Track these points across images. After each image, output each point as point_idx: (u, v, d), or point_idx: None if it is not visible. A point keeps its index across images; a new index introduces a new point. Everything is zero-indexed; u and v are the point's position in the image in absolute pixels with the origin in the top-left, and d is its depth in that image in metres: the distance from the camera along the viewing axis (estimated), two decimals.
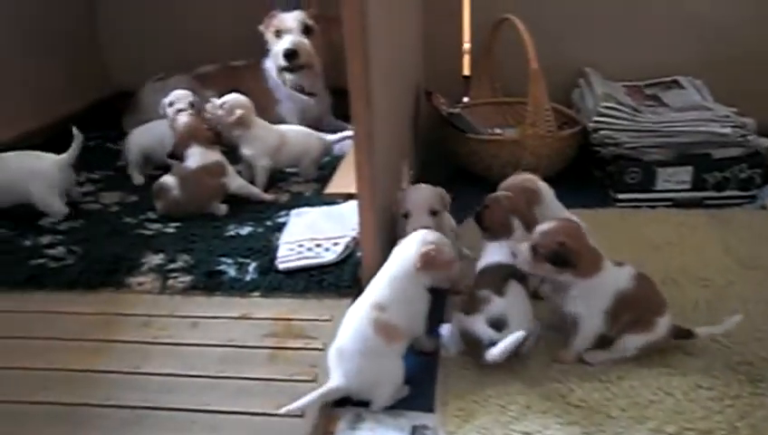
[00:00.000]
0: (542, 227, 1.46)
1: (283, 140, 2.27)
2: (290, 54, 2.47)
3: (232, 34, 2.82)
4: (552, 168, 2.27)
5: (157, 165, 2.37)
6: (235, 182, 2.14)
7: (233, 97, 2.27)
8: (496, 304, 1.45)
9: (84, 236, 1.98)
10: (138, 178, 2.35)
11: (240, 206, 2.12)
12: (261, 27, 2.57)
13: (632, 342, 1.46)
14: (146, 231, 2.02)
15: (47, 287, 1.76)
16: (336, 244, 1.78)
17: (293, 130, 2.34)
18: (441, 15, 2.64)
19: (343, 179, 1.77)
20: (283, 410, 1.33)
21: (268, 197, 2.15)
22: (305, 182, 2.31)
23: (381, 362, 1.39)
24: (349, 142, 2.47)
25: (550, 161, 2.29)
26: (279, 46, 2.50)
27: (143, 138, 2.39)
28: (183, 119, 2.21)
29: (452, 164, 2.48)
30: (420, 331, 1.48)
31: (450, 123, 2.40)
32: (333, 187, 1.76)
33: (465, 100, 2.71)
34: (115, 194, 2.30)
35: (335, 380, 1.38)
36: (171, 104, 2.30)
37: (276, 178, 2.32)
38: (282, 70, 2.54)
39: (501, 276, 1.49)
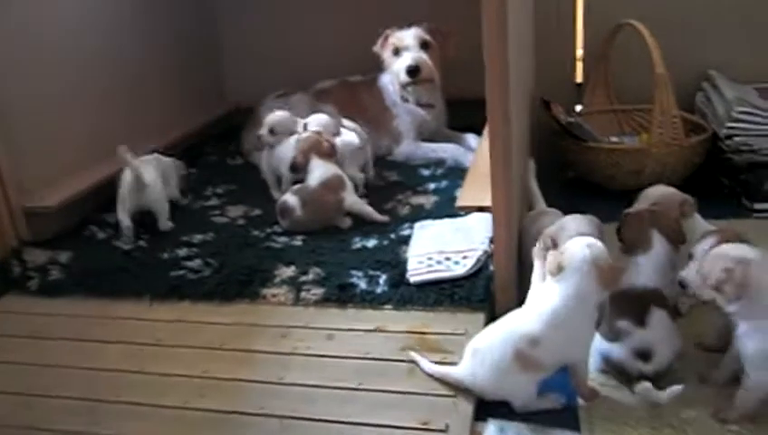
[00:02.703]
0: (714, 250, 1.31)
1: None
2: (412, 71, 2.48)
3: (347, 51, 2.87)
4: (675, 176, 2.18)
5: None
6: (351, 198, 2.16)
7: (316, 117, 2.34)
8: (639, 336, 1.38)
9: (217, 248, 2.04)
10: (276, 195, 2.38)
11: (361, 218, 2.15)
12: (375, 48, 2.59)
13: None
14: (274, 244, 2.06)
15: (188, 298, 1.83)
16: (465, 257, 1.76)
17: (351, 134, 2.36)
18: (553, 21, 2.59)
19: (473, 192, 1.74)
20: (416, 357, 1.40)
21: (381, 217, 2.14)
22: (424, 193, 2.31)
23: (511, 380, 1.37)
24: (463, 153, 2.50)
25: (674, 170, 2.21)
26: (400, 63, 2.52)
27: (269, 159, 2.44)
28: (303, 133, 2.27)
29: (566, 173, 2.43)
30: (581, 357, 1.38)
31: (568, 132, 2.35)
32: (465, 199, 1.74)
33: (578, 108, 2.65)
34: (239, 208, 2.37)
35: (462, 371, 1.40)
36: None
37: (394, 190, 2.34)
38: (404, 86, 2.55)
39: (642, 304, 1.41)
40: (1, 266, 2.01)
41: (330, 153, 2.20)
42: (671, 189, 1.63)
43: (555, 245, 1.47)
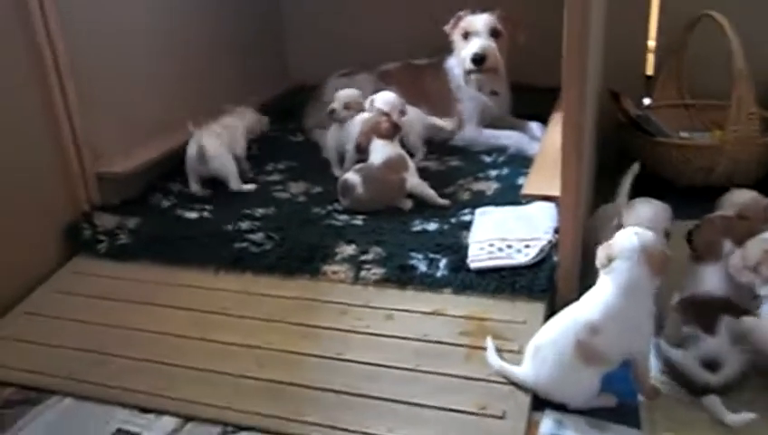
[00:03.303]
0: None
1: None
2: (478, 59, 2.45)
3: (415, 32, 2.85)
4: (748, 175, 2.12)
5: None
6: (413, 179, 2.15)
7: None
8: (708, 344, 1.36)
9: (279, 223, 2.07)
10: (338, 172, 2.39)
11: (422, 201, 2.14)
12: (447, 28, 2.56)
13: None
14: (335, 222, 2.07)
15: (250, 270, 1.87)
16: (528, 246, 1.75)
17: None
18: (626, 9, 2.51)
19: (540, 181, 1.73)
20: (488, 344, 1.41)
21: (443, 201, 2.13)
22: (485, 180, 2.29)
23: (574, 377, 1.35)
24: (526, 141, 2.48)
25: (747, 169, 2.14)
26: (467, 50, 2.48)
27: (337, 135, 2.46)
28: (365, 114, 2.28)
29: (629, 167, 2.38)
30: (641, 349, 1.37)
31: (636, 126, 2.30)
32: (531, 188, 1.72)
33: (647, 101, 2.59)
34: (300, 184, 2.38)
35: (524, 371, 1.39)
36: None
37: (455, 176, 2.34)
38: (468, 73, 2.53)
39: (711, 311, 1.38)
40: (73, 228, 2.08)
41: (389, 134, 2.20)
42: (755, 194, 1.57)
43: (621, 225, 1.47)
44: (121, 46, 2.30)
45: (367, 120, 2.25)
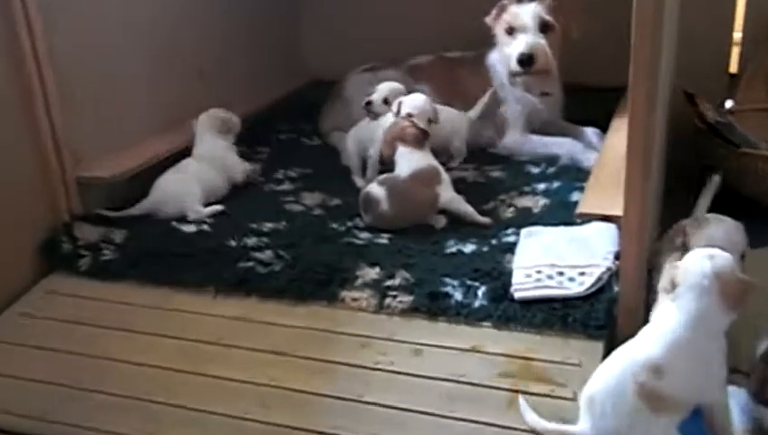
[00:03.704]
0: None
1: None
2: (525, 60, 2.43)
3: (449, 21, 2.85)
4: None
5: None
6: (448, 193, 2.15)
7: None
8: None
9: (290, 240, 2.07)
10: (360, 182, 2.41)
11: (458, 218, 2.13)
12: (488, 20, 2.56)
13: None
14: (355, 240, 2.07)
15: (256, 293, 1.87)
16: (583, 273, 1.73)
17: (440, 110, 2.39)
18: None
19: (598, 197, 1.71)
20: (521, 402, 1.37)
21: (482, 219, 2.12)
22: (531, 195, 2.28)
23: (643, 431, 1.32)
24: (581, 150, 2.47)
25: None
26: (512, 49, 2.47)
27: (360, 137, 2.47)
28: (389, 118, 2.29)
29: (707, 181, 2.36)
30: (714, 395, 1.34)
31: (716, 133, 2.28)
32: (587, 205, 1.70)
33: (729, 104, 2.56)
34: (316, 195, 2.39)
35: (581, 427, 1.36)
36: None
37: (496, 189, 2.33)
38: (514, 75, 2.52)
39: None
40: (50, 241, 2.09)
41: (417, 141, 2.20)
42: None
43: (686, 246, 1.44)
44: (111, 35, 2.32)
45: (391, 127, 2.26)
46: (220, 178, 2.35)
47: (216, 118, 2.45)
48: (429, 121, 2.29)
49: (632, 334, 1.47)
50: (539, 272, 1.77)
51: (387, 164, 2.24)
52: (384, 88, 2.43)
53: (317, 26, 3.31)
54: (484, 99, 2.55)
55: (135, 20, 2.43)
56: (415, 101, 2.32)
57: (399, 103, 2.32)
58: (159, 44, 2.54)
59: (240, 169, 2.43)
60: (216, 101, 2.54)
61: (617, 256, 1.68)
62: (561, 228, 1.98)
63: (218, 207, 2.25)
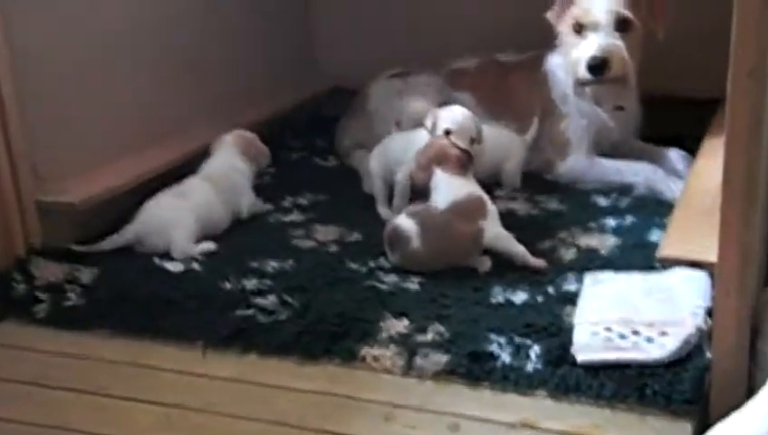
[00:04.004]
0: None
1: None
2: (597, 66, 2.41)
3: (497, 18, 2.86)
4: None
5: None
6: (494, 229, 2.13)
7: None
8: None
9: (299, 283, 2.06)
10: (386, 213, 2.40)
11: (505, 260, 2.12)
12: (549, 15, 2.56)
13: None
14: (379, 285, 2.06)
15: (255, 348, 1.85)
16: (665, 334, 1.70)
17: (488, 129, 2.39)
18: None
19: (684, 237, 1.69)
20: None
21: (536, 262, 2.11)
22: (599, 232, 2.27)
23: None
24: (662, 177, 2.47)
25: None
26: (581, 51, 2.45)
27: (387, 158, 2.46)
28: (422, 134, 2.31)
29: None
30: None
31: None
32: (670, 247, 1.68)
33: None
34: (331, 229, 2.39)
35: None
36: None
37: (554, 225, 2.33)
38: (582, 83, 2.51)
39: None
40: (0, 280, 2.08)
41: (460, 165, 2.19)
42: None
43: None
44: (86, 33, 2.36)
45: (427, 147, 2.25)
46: (223, 210, 2.36)
47: (241, 137, 2.49)
48: (471, 141, 2.28)
49: (729, 412, 1.43)
50: (608, 329, 1.75)
51: (420, 192, 2.23)
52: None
53: (334, 21, 3.34)
54: (535, 125, 2.56)
55: (116, 16, 2.47)
56: (454, 115, 2.32)
57: (435, 117, 2.30)
58: (146, 43, 2.57)
59: (247, 201, 2.44)
60: (214, 111, 2.55)
61: (709, 313, 1.65)
62: (637, 275, 1.96)
63: (210, 246, 2.25)
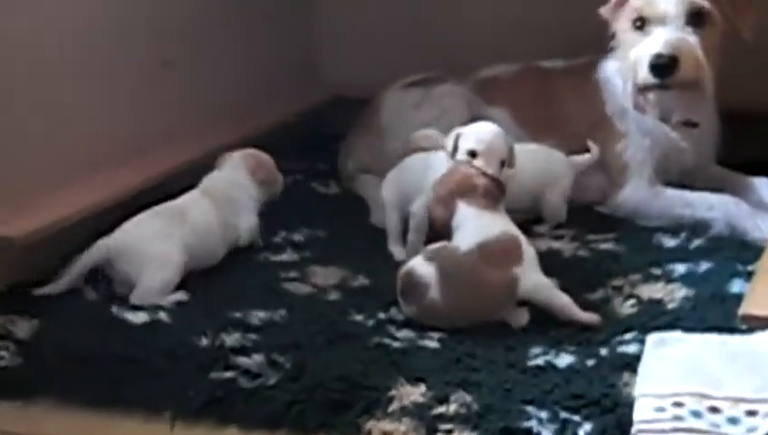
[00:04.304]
0: None
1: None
2: (663, 66, 2.40)
3: (537, 18, 2.88)
4: None
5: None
6: (533, 277, 2.12)
7: None
8: None
9: (292, 339, 2.04)
10: (399, 252, 2.42)
11: (547, 313, 2.10)
12: (604, 10, 2.57)
13: None
14: (391, 341, 2.04)
15: (236, 421, 1.81)
16: (753, 413, 1.66)
17: (523, 149, 2.41)
18: None
19: None
20: None
21: (587, 316, 2.10)
22: (665, 281, 2.25)
23: None
24: (747, 213, 2.47)
25: None
26: (644, 48, 2.45)
27: (402, 185, 2.48)
28: (441, 154, 2.34)
29: None
30: None
31: None
32: (755, 304, 1.65)
33: None
34: (332, 271, 2.39)
35: None
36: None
37: (607, 270, 2.31)
38: (645, 88, 2.50)
39: None
40: None
41: (489, 197, 2.19)
42: None
43: None
44: (37, 27, 2.36)
45: (446, 175, 2.24)
46: (220, 238, 2.40)
47: (253, 157, 2.56)
48: (502, 165, 2.28)
49: None
50: (678, 405, 1.69)
51: (439, 231, 2.22)
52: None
53: (337, 22, 3.39)
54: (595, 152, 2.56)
55: (68, 23, 2.49)
56: (480, 133, 2.32)
57: (457, 136, 2.30)
58: (111, 39, 2.59)
59: (247, 223, 2.48)
60: (196, 122, 2.55)
61: None
62: (714, 337, 1.92)
63: (180, 296, 2.25)
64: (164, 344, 2.02)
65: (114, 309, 2.16)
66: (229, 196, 2.45)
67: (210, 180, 2.48)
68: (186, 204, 2.38)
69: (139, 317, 2.13)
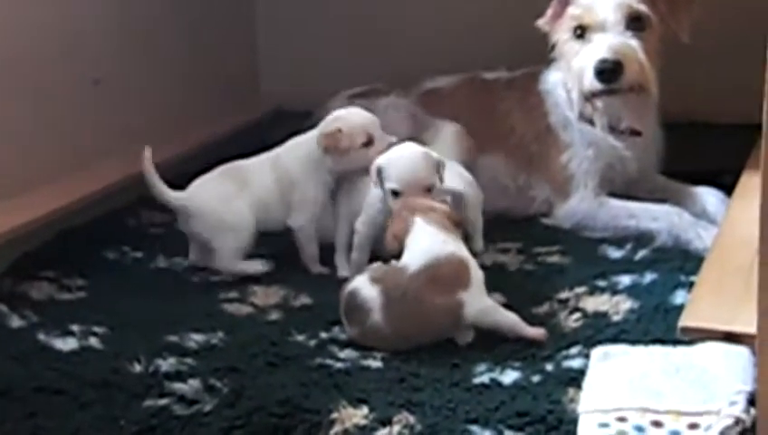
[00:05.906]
0: None
1: None
2: (609, 70, 2.42)
3: (480, 28, 2.88)
4: None
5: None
6: (478, 302, 2.11)
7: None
8: None
9: (230, 362, 2.02)
10: (345, 269, 2.44)
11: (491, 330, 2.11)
12: (542, 22, 2.59)
13: None
14: (333, 362, 2.04)
15: None
16: (695, 426, 1.66)
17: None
18: None
19: (717, 302, 1.67)
20: None
21: (534, 331, 2.10)
22: (609, 293, 2.27)
23: None
24: (689, 224, 2.48)
25: None
26: (588, 55, 2.47)
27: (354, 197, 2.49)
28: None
29: None
30: None
31: None
32: (695, 315, 1.67)
33: None
34: (274, 291, 2.40)
35: None
36: None
37: (552, 283, 2.33)
38: (591, 96, 2.52)
39: None
40: None
41: (453, 221, 2.21)
42: None
43: None
44: None
45: (395, 219, 2.23)
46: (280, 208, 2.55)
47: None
48: (428, 191, 2.27)
49: None
50: (622, 420, 1.70)
51: (390, 245, 2.22)
52: (391, 170, 2.34)
53: (279, 33, 3.40)
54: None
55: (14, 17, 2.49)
56: (400, 170, 2.29)
57: (379, 171, 2.30)
58: (42, 58, 2.58)
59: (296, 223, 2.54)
60: (127, 136, 2.55)
61: (752, 400, 1.63)
62: (658, 350, 1.93)
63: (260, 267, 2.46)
64: (94, 372, 2.00)
65: (41, 335, 2.14)
66: (292, 180, 2.53)
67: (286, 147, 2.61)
68: (253, 175, 2.54)
69: (68, 344, 2.11)
